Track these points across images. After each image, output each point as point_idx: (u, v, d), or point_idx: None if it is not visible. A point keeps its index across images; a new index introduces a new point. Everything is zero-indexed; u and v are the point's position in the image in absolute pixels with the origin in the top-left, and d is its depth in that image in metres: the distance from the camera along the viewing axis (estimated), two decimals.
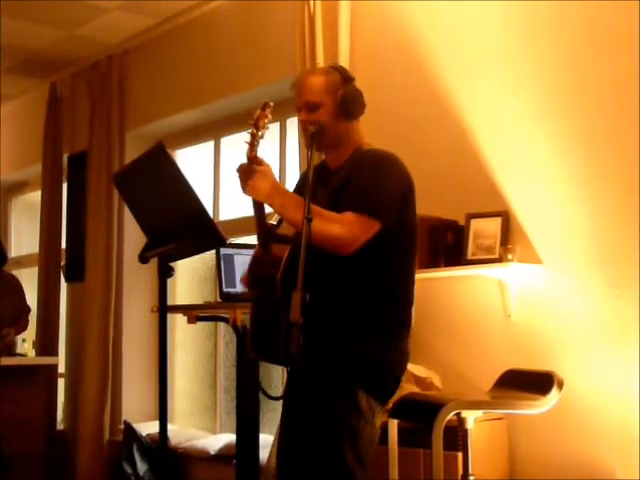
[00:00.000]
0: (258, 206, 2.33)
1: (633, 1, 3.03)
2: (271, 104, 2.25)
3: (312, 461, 2.30)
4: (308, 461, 2.32)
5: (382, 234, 2.31)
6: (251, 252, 2.53)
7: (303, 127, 2.44)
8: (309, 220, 2.09)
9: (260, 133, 2.23)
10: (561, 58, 3.25)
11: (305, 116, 2.41)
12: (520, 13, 3.40)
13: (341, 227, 2.26)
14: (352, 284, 2.34)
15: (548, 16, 3.30)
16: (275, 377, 4.73)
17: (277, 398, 2.50)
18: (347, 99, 2.40)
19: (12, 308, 5.39)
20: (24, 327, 5.52)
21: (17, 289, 5.57)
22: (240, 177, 2.29)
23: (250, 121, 2.23)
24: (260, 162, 2.28)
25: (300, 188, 2.55)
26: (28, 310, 5.59)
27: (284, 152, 4.73)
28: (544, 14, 3.31)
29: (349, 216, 2.28)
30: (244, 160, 2.31)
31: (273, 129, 4.69)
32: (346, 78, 2.44)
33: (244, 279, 2.53)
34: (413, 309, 2.45)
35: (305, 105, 2.42)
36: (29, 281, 6.23)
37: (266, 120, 2.24)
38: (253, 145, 2.24)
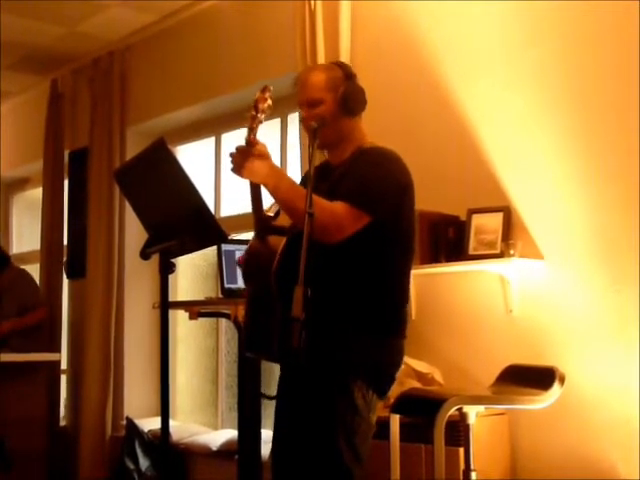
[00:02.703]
0: (255, 193, 2.31)
1: (633, 1, 3.03)
2: (270, 87, 2.20)
3: (309, 459, 2.29)
4: (305, 459, 2.31)
5: (378, 231, 2.30)
6: None
7: (305, 125, 2.42)
8: (310, 215, 2.08)
9: (259, 116, 2.18)
10: (562, 55, 3.25)
11: (307, 113, 2.41)
12: (521, 11, 3.39)
13: (328, 215, 2.22)
14: (347, 280, 2.32)
15: (549, 14, 3.29)
16: (277, 373, 4.72)
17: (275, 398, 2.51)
18: (348, 96, 2.40)
19: (16, 303, 5.37)
20: (31, 321, 5.39)
21: (24, 284, 5.53)
22: (235, 160, 2.22)
23: (250, 104, 2.18)
24: (256, 142, 2.21)
25: (303, 186, 2.54)
26: (41, 304, 5.53)
27: (285, 147, 4.73)
28: (545, 12, 3.30)
29: (339, 205, 2.26)
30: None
31: (274, 125, 4.69)
32: (348, 74, 2.44)
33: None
34: (408, 307, 2.43)
35: (307, 102, 2.41)
36: None
37: (265, 104, 2.18)
38: (252, 128, 2.19)
